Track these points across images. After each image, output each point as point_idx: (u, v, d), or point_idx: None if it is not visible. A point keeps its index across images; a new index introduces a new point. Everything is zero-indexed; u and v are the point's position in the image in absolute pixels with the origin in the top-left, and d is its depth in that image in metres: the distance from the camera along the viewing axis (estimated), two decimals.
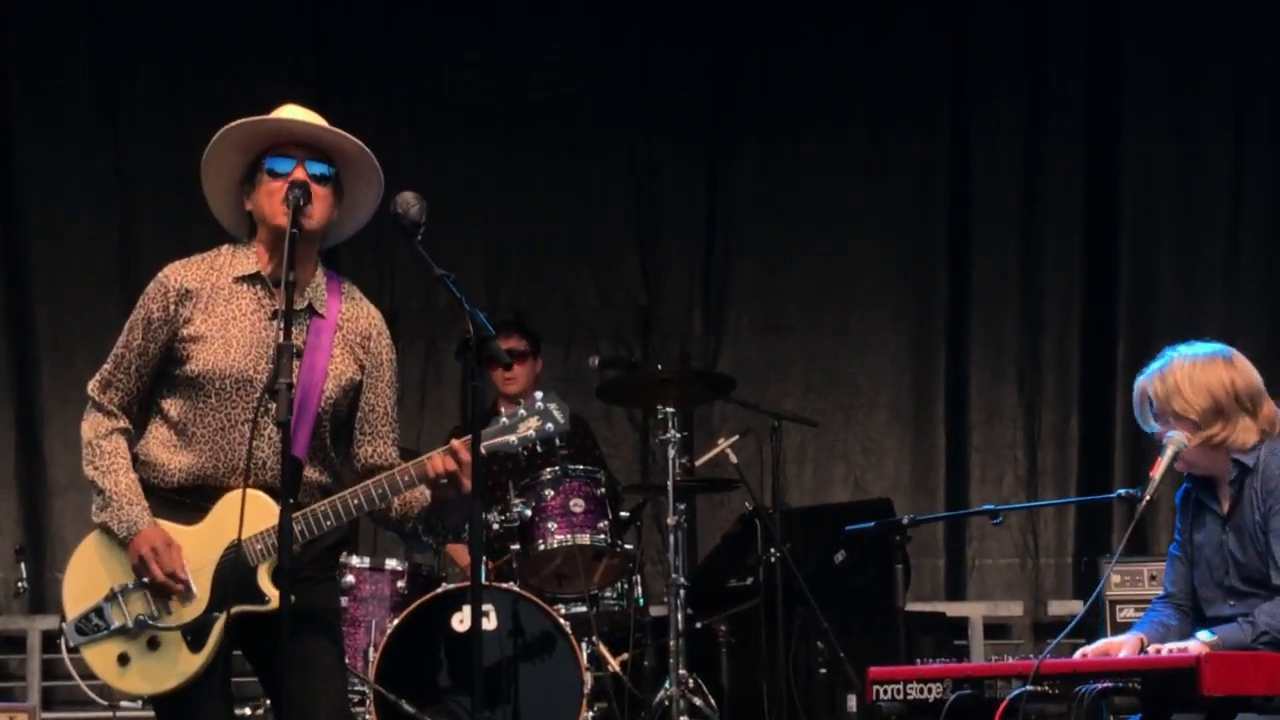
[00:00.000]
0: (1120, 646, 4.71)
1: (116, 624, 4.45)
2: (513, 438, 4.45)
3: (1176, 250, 9.07)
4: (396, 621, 6.61)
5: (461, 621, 6.65)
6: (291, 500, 4.32)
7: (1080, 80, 9.21)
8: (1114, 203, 9.09)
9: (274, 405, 4.17)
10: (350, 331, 4.57)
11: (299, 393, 4.38)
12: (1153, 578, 7.31)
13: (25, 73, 9.00)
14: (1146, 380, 4.88)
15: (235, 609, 4.38)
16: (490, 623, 6.55)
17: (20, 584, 7.95)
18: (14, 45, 9.03)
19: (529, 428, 4.44)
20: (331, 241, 4.70)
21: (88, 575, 4.52)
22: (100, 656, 4.49)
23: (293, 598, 4.21)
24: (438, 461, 4.41)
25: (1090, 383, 9.03)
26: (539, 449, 4.51)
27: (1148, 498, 4.75)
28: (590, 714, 6.78)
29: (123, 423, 4.55)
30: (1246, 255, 9.04)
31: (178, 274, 4.54)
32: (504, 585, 6.80)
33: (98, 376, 4.60)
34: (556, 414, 4.45)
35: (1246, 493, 4.78)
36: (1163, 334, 8.55)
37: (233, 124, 4.52)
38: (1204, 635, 4.60)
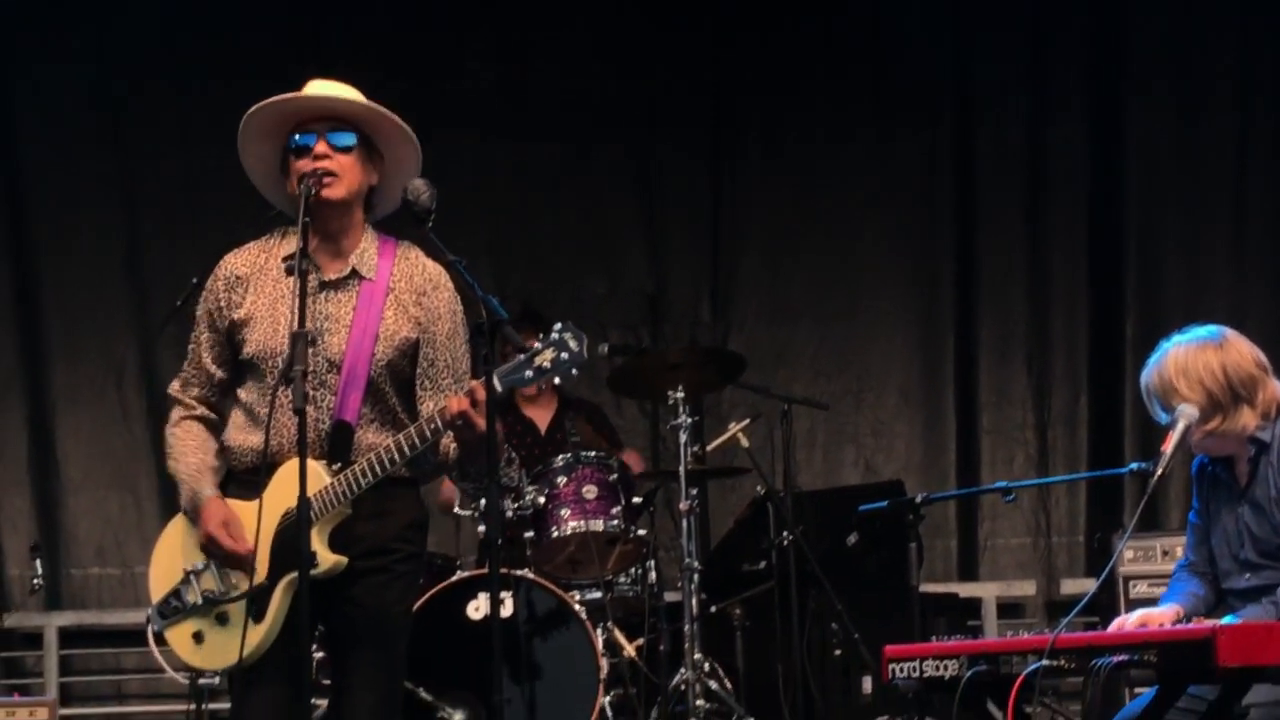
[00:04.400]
0: (1158, 619, 4.69)
1: (191, 603, 4.57)
2: (528, 371, 4.41)
3: (1183, 229, 9.09)
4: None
5: (477, 609, 6.67)
6: (340, 464, 4.44)
7: (1084, 64, 9.22)
8: (1119, 182, 9.11)
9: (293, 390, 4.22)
10: (403, 290, 4.60)
11: (348, 359, 4.47)
12: (1165, 553, 7.32)
13: (29, 81, 8.98)
14: (1146, 376, 4.86)
15: (288, 576, 4.42)
16: (506, 610, 6.57)
17: (36, 581, 7.97)
18: (19, 49, 9.03)
19: (544, 359, 4.40)
20: (386, 208, 4.69)
21: (167, 561, 4.65)
22: (179, 637, 4.62)
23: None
24: (453, 403, 4.39)
25: (1099, 362, 9.04)
26: (557, 381, 4.51)
27: (1160, 471, 4.73)
28: (607, 699, 6.80)
29: (199, 411, 4.67)
30: (1252, 234, 9.06)
31: (229, 262, 4.64)
32: (519, 572, 6.82)
33: (177, 376, 4.72)
34: (571, 343, 4.39)
35: (1262, 468, 4.77)
36: (1170, 312, 8.61)
37: (251, 110, 4.56)
38: (1229, 620, 4.59)
